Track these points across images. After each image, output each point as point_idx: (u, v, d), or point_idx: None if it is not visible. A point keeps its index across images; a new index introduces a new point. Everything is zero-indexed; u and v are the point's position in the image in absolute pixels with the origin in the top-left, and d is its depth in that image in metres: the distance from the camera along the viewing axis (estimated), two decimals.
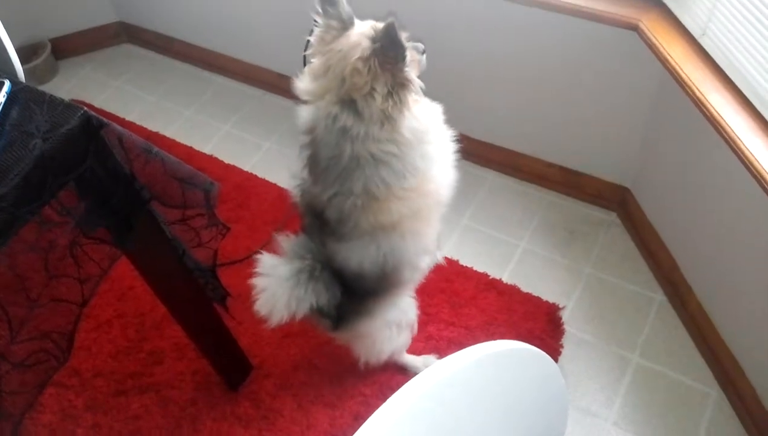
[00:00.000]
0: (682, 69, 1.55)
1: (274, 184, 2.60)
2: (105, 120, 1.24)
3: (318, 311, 1.49)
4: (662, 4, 1.70)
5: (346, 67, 1.22)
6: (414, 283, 1.61)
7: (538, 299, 2.17)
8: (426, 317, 2.05)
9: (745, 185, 1.45)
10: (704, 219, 1.85)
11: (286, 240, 1.52)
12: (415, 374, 2.00)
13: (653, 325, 2.07)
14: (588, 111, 2.10)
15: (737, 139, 1.43)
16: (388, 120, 1.23)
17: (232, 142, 2.80)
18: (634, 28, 1.68)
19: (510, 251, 2.31)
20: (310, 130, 1.31)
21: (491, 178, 2.53)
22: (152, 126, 2.86)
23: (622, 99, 1.97)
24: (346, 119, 1.23)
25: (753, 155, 1.40)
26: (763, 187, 1.38)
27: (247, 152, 2.75)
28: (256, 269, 1.47)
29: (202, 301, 1.71)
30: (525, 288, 2.19)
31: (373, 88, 1.21)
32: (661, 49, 1.59)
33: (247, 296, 2.28)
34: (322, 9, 1.28)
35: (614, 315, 2.11)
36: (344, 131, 1.24)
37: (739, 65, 1.50)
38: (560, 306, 2.13)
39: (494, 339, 2.04)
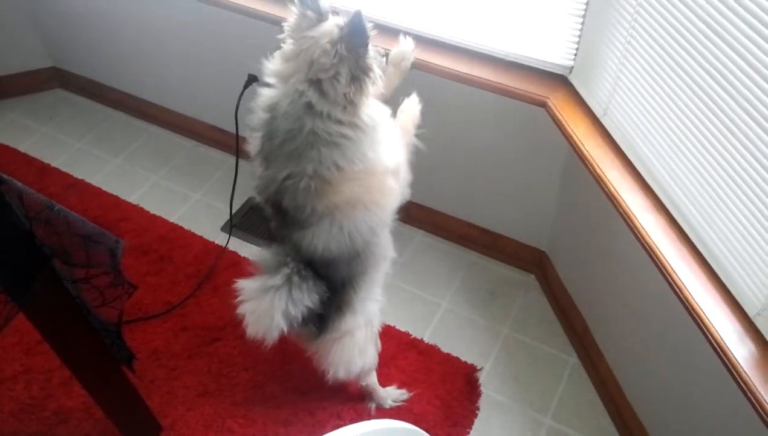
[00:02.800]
0: (584, 146, 1.64)
1: (200, 237, 2.57)
2: (4, 176, 1.22)
3: (304, 319, 1.49)
4: (570, 83, 1.81)
5: (315, 50, 1.32)
6: (386, 262, 1.64)
7: (457, 359, 2.19)
8: None
9: (639, 256, 1.53)
10: (609, 285, 1.93)
11: (259, 256, 1.54)
12: (372, 403, 2.00)
13: (566, 387, 2.11)
14: (506, 178, 2.18)
15: (632, 215, 1.51)
16: (349, 104, 1.34)
17: (160, 193, 2.77)
18: (543, 105, 1.78)
19: (432, 310, 2.34)
20: (271, 108, 1.39)
21: (419, 237, 2.58)
22: (78, 173, 2.81)
23: (537, 168, 2.06)
24: (312, 96, 1.33)
25: (645, 230, 1.48)
26: (654, 261, 1.45)
27: (175, 203, 2.72)
28: (239, 298, 1.47)
29: (106, 361, 1.66)
30: (445, 348, 2.21)
31: (337, 72, 1.31)
32: (567, 126, 1.69)
33: (162, 351, 2.22)
34: (301, 0, 1.37)
35: (530, 377, 2.15)
36: (309, 107, 1.34)
37: (635, 145, 1.59)
38: (478, 368, 2.16)
39: (410, 403, 2.05)
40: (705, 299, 1.37)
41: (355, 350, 1.71)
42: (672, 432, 1.75)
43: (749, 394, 1.24)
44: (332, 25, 1.35)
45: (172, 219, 2.65)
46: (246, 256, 2.48)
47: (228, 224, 2.62)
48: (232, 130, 2.75)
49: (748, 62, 1.20)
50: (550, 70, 1.84)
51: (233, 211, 2.61)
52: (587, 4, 1.64)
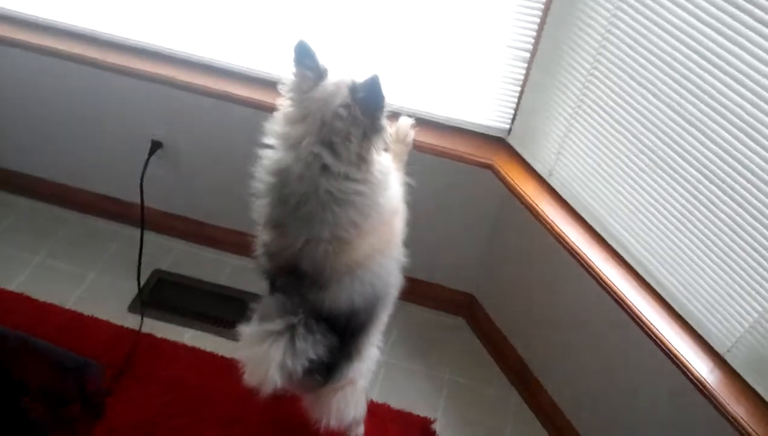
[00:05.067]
0: (537, 206, 1.79)
1: (106, 322, 2.31)
2: None
3: (308, 370, 1.43)
4: (508, 145, 1.93)
5: (326, 112, 1.32)
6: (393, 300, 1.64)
7: (410, 414, 2.21)
8: None
9: (592, 298, 1.71)
10: (543, 315, 2.08)
11: (259, 305, 1.49)
12: None
13: (514, 425, 2.23)
14: (440, 230, 2.25)
15: (593, 265, 1.68)
16: (362, 162, 1.35)
17: (47, 275, 2.45)
18: (488, 166, 1.89)
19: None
20: (280, 172, 1.38)
21: None
22: None
23: (471, 220, 2.16)
24: (327, 157, 1.33)
25: (608, 278, 1.65)
26: (617, 301, 1.63)
27: (68, 285, 2.42)
28: (239, 344, 1.43)
29: None
30: (395, 404, 2.22)
31: (350, 133, 1.32)
32: (516, 187, 1.83)
33: None
34: (299, 60, 1.37)
35: (479, 420, 2.23)
36: (324, 168, 1.34)
37: (585, 202, 1.76)
38: (432, 419, 2.19)
39: None
40: (670, 334, 1.55)
41: (354, 398, 1.71)
42: None
43: (720, 408, 1.43)
44: (336, 85, 1.35)
45: (68, 305, 2.35)
46: (164, 336, 2.29)
47: (137, 303, 2.39)
48: (126, 198, 2.54)
49: (692, 122, 1.39)
50: (489, 133, 1.95)
51: (141, 287, 2.40)
52: (526, 72, 1.78)
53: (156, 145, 2.31)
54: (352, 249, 1.41)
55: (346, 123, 1.32)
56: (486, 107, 1.90)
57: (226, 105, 2.10)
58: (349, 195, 1.36)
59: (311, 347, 1.40)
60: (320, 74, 1.37)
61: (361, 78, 1.33)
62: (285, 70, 1.41)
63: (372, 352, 1.71)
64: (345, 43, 1.89)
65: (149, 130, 2.30)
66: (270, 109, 2.03)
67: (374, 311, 1.55)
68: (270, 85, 2.07)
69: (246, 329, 1.44)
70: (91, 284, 2.45)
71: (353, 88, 1.33)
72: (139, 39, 2.13)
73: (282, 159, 1.38)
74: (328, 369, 1.54)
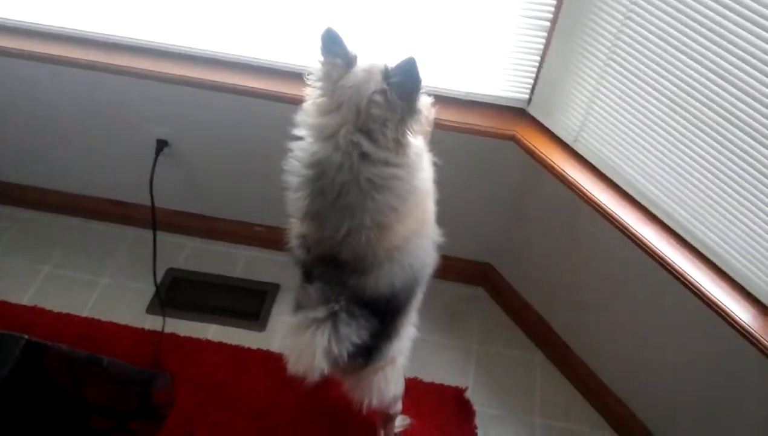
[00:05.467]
0: (566, 172, 1.82)
1: (126, 326, 2.28)
2: (49, 345, 1.00)
3: (352, 354, 1.43)
4: (529, 115, 1.95)
5: (362, 100, 1.31)
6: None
7: (441, 385, 2.25)
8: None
9: (617, 243, 1.77)
10: (571, 279, 2.13)
11: (299, 295, 1.50)
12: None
13: (542, 385, 2.29)
14: (462, 204, 2.25)
15: (611, 212, 1.75)
16: (400, 146, 1.34)
17: (58, 285, 2.39)
18: (511, 138, 1.91)
19: None
20: (317, 164, 1.36)
21: None
22: None
23: (494, 192, 2.17)
24: (367, 145, 1.32)
25: (625, 221, 1.73)
26: (637, 244, 1.69)
27: (81, 293, 2.37)
28: (282, 334, 1.44)
29: None
30: (426, 378, 2.25)
31: (387, 118, 1.31)
32: (542, 156, 1.84)
33: None
34: (327, 48, 1.35)
35: (510, 384, 2.28)
36: (364, 156, 1.32)
37: (614, 165, 1.79)
38: (464, 388, 2.24)
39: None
40: (712, 287, 1.61)
41: (394, 376, 1.74)
42: (653, 403, 2.00)
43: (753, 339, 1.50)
44: (367, 72, 1.33)
45: (85, 312, 2.30)
46: (188, 334, 2.27)
47: (155, 303, 2.36)
48: (132, 200, 2.48)
49: (721, 75, 1.44)
50: (509, 105, 1.96)
51: (158, 287, 2.36)
52: (547, 40, 1.79)
53: (162, 144, 2.25)
54: (391, 234, 1.41)
55: (384, 109, 1.31)
56: (504, 78, 1.91)
57: (230, 97, 2.06)
58: (389, 180, 1.36)
59: (355, 332, 1.41)
60: (350, 62, 1.35)
61: (392, 62, 1.31)
62: (311, 59, 1.39)
63: (410, 330, 1.73)
64: (355, 21, 1.86)
65: (153, 129, 2.24)
66: (275, 97, 2.03)
67: (412, 292, 1.57)
68: (274, 73, 2.06)
69: (289, 319, 1.44)
70: (104, 290, 2.40)
71: (387, 73, 1.31)
72: (133, 37, 2.07)
73: (318, 150, 1.36)
74: (369, 351, 1.55)
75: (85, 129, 2.32)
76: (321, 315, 1.39)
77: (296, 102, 1.42)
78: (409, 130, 1.35)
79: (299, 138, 1.41)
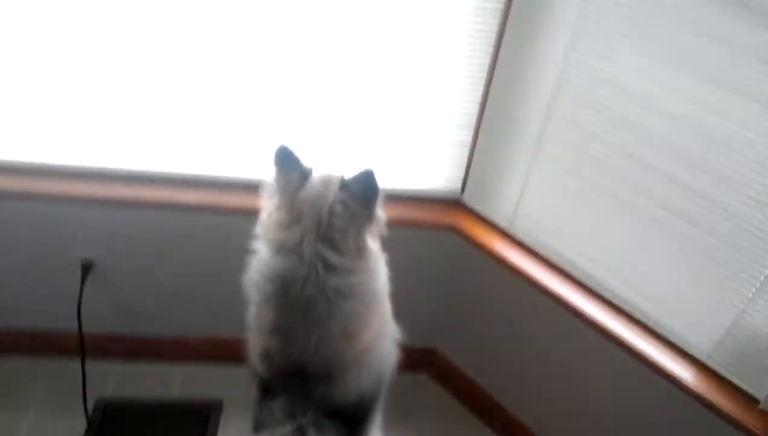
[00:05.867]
0: (496, 250, 1.95)
1: None
2: None
3: None
4: (466, 205, 2.08)
5: (322, 211, 1.33)
6: None
7: None
8: None
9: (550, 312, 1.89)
10: (516, 355, 2.21)
11: (261, 412, 1.43)
12: None
13: None
14: (401, 295, 2.29)
15: (548, 287, 1.88)
16: (361, 252, 1.37)
17: None
18: (450, 228, 2.02)
19: None
20: (281, 278, 1.35)
21: None
22: None
23: (433, 281, 2.24)
24: (330, 255, 1.33)
25: (563, 295, 1.86)
26: (575, 315, 1.81)
27: None
28: None
29: None
30: None
31: (348, 227, 1.34)
32: (480, 242, 1.96)
33: None
34: (281, 163, 1.37)
35: None
36: (330, 267, 1.33)
37: (549, 243, 1.93)
38: None
39: None
40: (651, 350, 1.74)
41: None
42: None
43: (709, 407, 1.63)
44: (326, 183, 1.37)
45: None
46: None
47: None
48: (54, 327, 2.30)
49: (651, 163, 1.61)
50: (444, 196, 2.08)
51: (89, 422, 2.17)
52: (475, 133, 1.93)
53: (87, 267, 2.14)
54: (358, 338, 1.42)
55: (344, 218, 1.34)
56: (437, 172, 2.02)
57: (156, 213, 2.04)
58: (354, 287, 1.38)
59: None
60: (305, 174, 1.38)
61: (347, 173, 1.37)
62: (265, 173, 1.41)
63: (375, 434, 1.70)
64: (289, 121, 1.93)
65: (77, 252, 2.13)
66: (202, 209, 2.01)
67: (378, 392, 1.56)
68: (198, 185, 2.05)
69: None
70: (28, 433, 2.17)
71: (345, 184, 1.36)
72: (44, 159, 1.99)
73: (281, 264, 1.36)
74: None
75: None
76: (288, 432, 1.35)
77: (224, 212, 1.42)
78: (369, 236, 1.39)
79: (256, 251, 1.40)
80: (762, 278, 1.54)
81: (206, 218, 2.08)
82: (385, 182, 1.98)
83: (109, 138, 1.96)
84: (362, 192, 1.35)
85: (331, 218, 1.33)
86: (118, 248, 2.15)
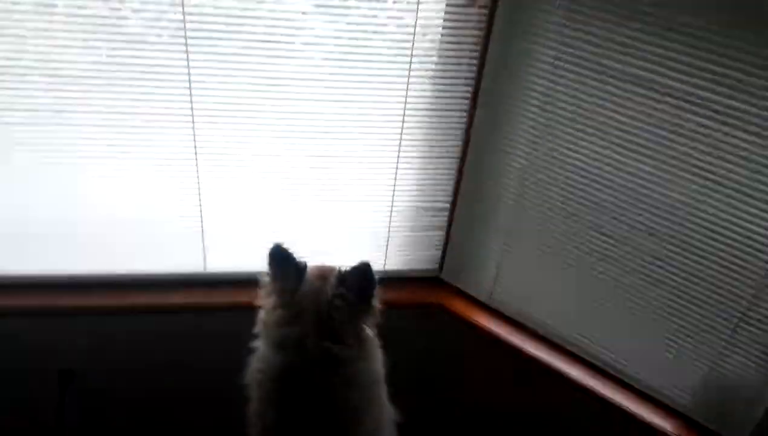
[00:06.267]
0: (477, 322, 2.03)
1: None
2: None
3: None
4: (450, 285, 2.16)
5: (322, 305, 1.37)
6: None
7: None
8: None
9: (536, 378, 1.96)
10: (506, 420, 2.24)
11: None
12: None
13: None
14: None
15: (532, 354, 1.96)
16: (362, 342, 1.42)
17: None
18: (433, 305, 2.09)
19: None
20: (284, 375, 1.37)
21: None
22: None
23: (420, 358, 2.28)
24: (335, 348, 1.36)
25: (549, 362, 1.93)
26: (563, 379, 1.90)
27: None
28: None
29: None
30: None
31: (347, 320, 1.38)
32: (463, 317, 2.04)
33: None
34: (277, 262, 1.41)
35: None
36: (334, 359, 1.36)
37: (528, 312, 2.02)
38: None
39: None
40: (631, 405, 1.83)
41: None
42: None
43: None
44: (323, 277, 1.42)
45: None
46: None
47: None
48: None
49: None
50: (424, 275, 2.15)
51: None
52: (450, 215, 2.04)
53: (69, 375, 2.07)
54: (364, 425, 1.44)
55: (344, 311, 1.38)
56: (415, 252, 2.12)
57: (131, 318, 2.03)
58: (356, 376, 1.41)
59: None
60: (300, 271, 1.42)
61: (344, 265, 1.42)
62: (260, 272, 1.45)
63: None
64: (260, 218, 1.98)
65: (56, 363, 2.08)
66: (182, 309, 2.01)
67: None
68: (173, 285, 2.04)
69: None
70: None
71: (342, 277, 1.40)
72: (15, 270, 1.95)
73: (283, 361, 1.38)
74: None
75: None
76: None
77: (197, 310, 1.43)
78: (367, 326, 1.44)
79: (256, 349, 1.43)
80: (729, 332, 1.66)
81: (189, 319, 2.08)
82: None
83: (79, 244, 1.95)
84: (360, 286, 1.40)
85: (331, 312, 1.38)
86: (100, 358, 2.11)
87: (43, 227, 1.89)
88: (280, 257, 1.42)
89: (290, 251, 1.43)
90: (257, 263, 2.04)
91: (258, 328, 1.45)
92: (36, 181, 1.81)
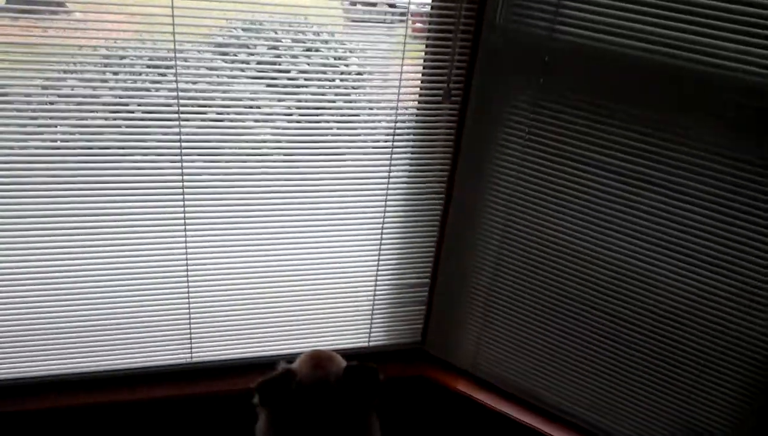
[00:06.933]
0: (460, 391, 2.12)
1: None
2: None
3: None
4: (433, 356, 2.24)
5: (324, 409, 1.37)
6: None
7: None
8: None
9: None
10: None
11: None
12: None
13: None
14: None
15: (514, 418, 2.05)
16: (366, 432, 1.43)
17: None
18: (412, 377, 2.18)
19: None
20: None
21: None
22: None
23: (404, 430, 2.33)
24: None
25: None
26: None
27: None
28: None
29: None
30: None
31: (352, 419, 1.39)
32: (447, 386, 2.13)
33: None
34: (268, 399, 1.38)
35: None
36: None
37: (510, 379, 2.12)
38: None
39: None
40: None
41: None
42: None
43: None
44: (320, 367, 1.43)
45: None
46: None
47: None
48: None
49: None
50: (406, 348, 2.24)
51: None
52: (430, 290, 2.15)
53: None
54: None
55: (349, 413, 1.40)
56: (399, 328, 2.21)
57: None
58: None
59: None
60: (291, 377, 1.41)
61: (349, 363, 1.46)
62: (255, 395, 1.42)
63: None
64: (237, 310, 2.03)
65: None
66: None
67: None
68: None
69: None
70: None
71: (348, 378, 1.42)
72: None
73: None
74: None
75: None
76: None
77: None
78: (373, 414, 1.47)
79: None
80: (705, 394, 1.80)
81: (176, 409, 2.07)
82: (347, 341, 2.14)
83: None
84: (365, 389, 1.41)
85: (336, 416, 1.39)
86: None
87: (22, 328, 1.87)
88: (269, 391, 1.40)
89: (276, 378, 1.41)
90: (244, 350, 2.10)
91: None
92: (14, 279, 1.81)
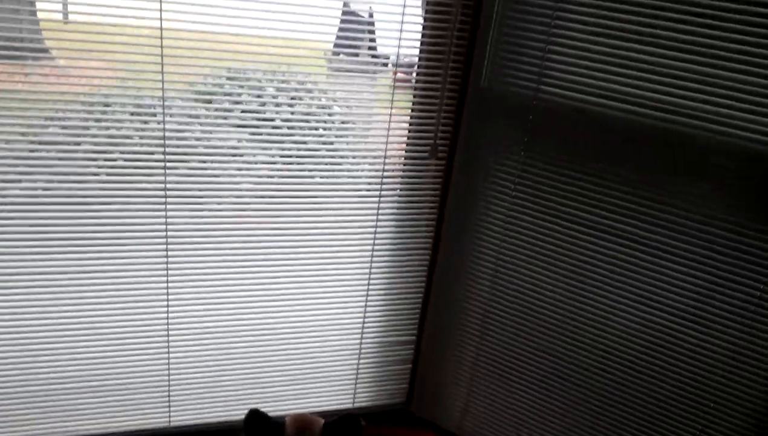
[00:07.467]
0: None
1: None
2: None
3: None
4: (419, 417, 2.16)
5: None
6: None
7: None
8: None
9: None
10: None
11: None
12: None
13: None
14: None
15: None
16: None
17: None
18: None
19: None
20: None
21: None
22: None
23: None
24: None
25: None
26: None
27: None
28: None
29: None
30: None
31: None
32: None
33: None
34: (254, 431, 1.36)
35: None
36: None
37: None
38: None
39: None
40: None
41: None
42: None
43: None
44: (302, 430, 1.39)
45: None
46: None
47: None
48: None
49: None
50: (391, 409, 2.16)
51: None
52: (416, 348, 2.10)
53: None
54: None
55: None
56: (384, 388, 2.14)
57: None
58: None
59: None
60: (279, 428, 1.41)
61: (328, 419, 1.43)
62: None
63: None
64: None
65: None
66: None
67: None
68: None
69: None
70: None
71: (328, 430, 1.40)
72: None
73: None
74: None
75: None
76: None
77: None
78: None
79: None
80: None
81: None
82: (331, 403, 2.06)
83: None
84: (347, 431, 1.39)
85: None
86: None
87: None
88: (255, 423, 1.39)
89: (266, 415, 1.40)
90: (224, 414, 2.01)
91: None
92: None
